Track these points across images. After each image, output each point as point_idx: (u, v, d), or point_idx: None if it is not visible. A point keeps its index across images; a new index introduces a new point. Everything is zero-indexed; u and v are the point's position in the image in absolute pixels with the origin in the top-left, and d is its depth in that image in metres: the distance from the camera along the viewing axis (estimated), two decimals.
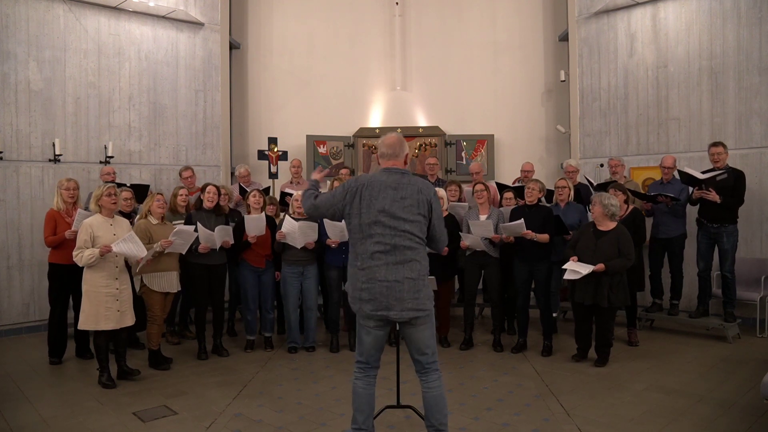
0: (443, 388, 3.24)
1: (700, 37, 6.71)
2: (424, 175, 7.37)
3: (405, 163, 3.29)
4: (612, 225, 5.03)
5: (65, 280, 5.21)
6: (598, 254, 4.91)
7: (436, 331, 5.87)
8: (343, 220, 4.95)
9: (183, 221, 5.45)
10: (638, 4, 7.14)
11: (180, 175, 6.77)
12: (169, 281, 5.10)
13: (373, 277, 3.11)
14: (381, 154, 3.29)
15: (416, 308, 3.12)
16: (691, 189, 5.90)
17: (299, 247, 5.39)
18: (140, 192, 5.97)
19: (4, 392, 4.50)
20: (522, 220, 5.26)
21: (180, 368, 5.12)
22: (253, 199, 5.59)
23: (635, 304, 5.74)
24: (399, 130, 8.38)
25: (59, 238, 5.13)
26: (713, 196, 5.62)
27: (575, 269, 4.92)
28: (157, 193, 5.27)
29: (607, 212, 5.01)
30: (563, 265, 5.06)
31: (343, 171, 7.26)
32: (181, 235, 4.99)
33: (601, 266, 4.84)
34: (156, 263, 4.94)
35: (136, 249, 4.55)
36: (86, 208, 6.02)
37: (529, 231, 5.24)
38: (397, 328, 3.24)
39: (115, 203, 4.70)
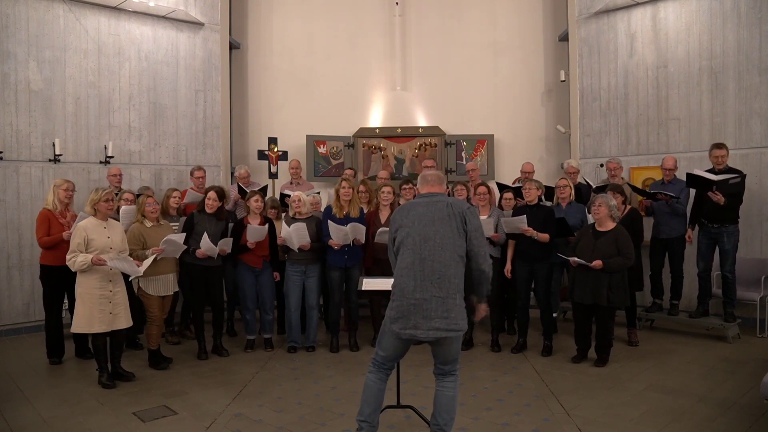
0: (457, 391, 3.25)
1: (700, 37, 6.70)
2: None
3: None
4: (612, 225, 5.06)
5: (59, 282, 5.16)
6: (597, 254, 4.93)
7: None
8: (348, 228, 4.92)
9: (179, 224, 5.43)
10: (638, 4, 7.13)
11: (191, 174, 6.76)
12: (165, 284, 5.10)
13: (402, 293, 3.09)
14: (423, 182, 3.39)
15: (446, 328, 3.05)
16: (693, 191, 5.87)
17: (296, 250, 5.42)
18: None
19: (4, 392, 4.50)
20: (524, 216, 5.27)
21: (180, 368, 5.12)
22: (256, 203, 5.59)
23: (634, 303, 5.73)
24: (399, 130, 8.39)
25: (56, 238, 5.08)
26: (719, 197, 5.60)
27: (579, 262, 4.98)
28: (148, 196, 5.20)
29: (612, 213, 5.05)
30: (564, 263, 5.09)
31: (348, 171, 7.23)
32: (171, 243, 4.99)
33: (598, 263, 4.86)
34: (153, 266, 4.90)
35: (131, 269, 4.59)
36: None
37: (530, 228, 5.25)
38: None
39: (111, 209, 4.68)
